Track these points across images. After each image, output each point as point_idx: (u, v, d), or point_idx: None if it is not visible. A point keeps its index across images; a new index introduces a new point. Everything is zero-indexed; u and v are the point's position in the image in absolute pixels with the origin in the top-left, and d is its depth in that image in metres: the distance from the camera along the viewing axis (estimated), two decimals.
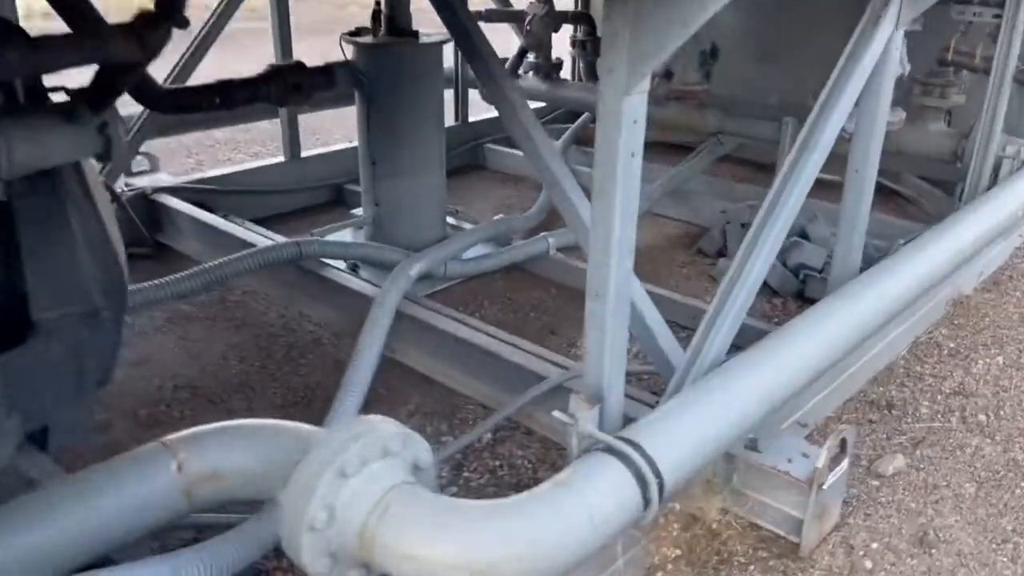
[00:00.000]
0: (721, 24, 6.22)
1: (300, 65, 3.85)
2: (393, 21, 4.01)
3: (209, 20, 4.69)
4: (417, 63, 4.02)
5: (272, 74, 3.74)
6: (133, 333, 3.77)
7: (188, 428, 1.91)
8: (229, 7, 4.63)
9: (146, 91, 3.32)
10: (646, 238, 5.18)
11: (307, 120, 5.77)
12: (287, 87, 3.75)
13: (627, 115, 1.92)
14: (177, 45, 3.12)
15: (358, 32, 4.02)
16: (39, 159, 1.94)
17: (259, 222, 4.73)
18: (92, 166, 2.31)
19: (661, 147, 6.69)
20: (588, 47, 5.84)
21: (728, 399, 2.32)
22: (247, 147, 6.98)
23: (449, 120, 6.21)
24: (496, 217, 4.69)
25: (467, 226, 4.63)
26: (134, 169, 4.87)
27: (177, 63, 4.61)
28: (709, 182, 5.47)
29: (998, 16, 3.84)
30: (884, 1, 2.71)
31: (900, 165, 5.52)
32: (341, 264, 4.08)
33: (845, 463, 2.58)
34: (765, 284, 4.43)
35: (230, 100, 3.63)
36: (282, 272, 3.99)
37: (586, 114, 6.18)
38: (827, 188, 4.62)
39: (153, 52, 1.97)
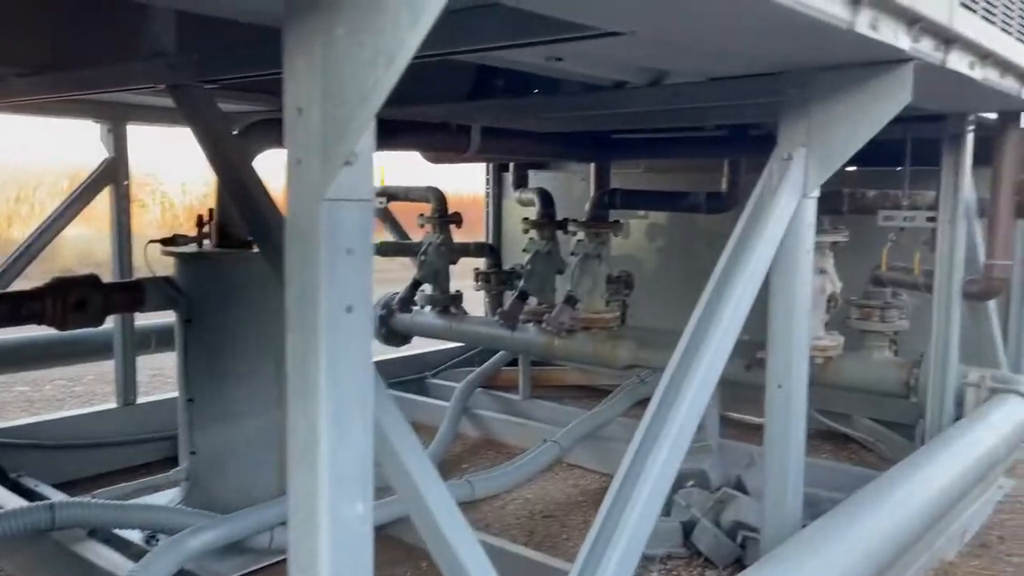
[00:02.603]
0: (640, 250, 5.80)
1: (92, 279, 3.11)
2: (224, 228, 3.34)
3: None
4: (246, 278, 3.29)
5: (51, 287, 2.98)
6: None
7: None
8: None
9: None
10: (556, 494, 4.28)
11: None
12: (67, 305, 2.97)
13: (328, 231, 1.14)
14: None
15: (175, 240, 3.32)
16: None
17: (76, 484, 3.76)
18: None
19: (582, 391, 5.99)
20: (493, 280, 5.26)
21: None
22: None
23: None
24: None
25: None
26: None
27: None
28: (631, 428, 4.65)
29: (932, 219, 3.29)
30: (786, 159, 2.08)
31: (850, 407, 4.83)
32: (137, 535, 3.09)
33: None
34: (698, 552, 3.53)
35: None
36: (41, 548, 2.96)
37: (500, 353, 5.49)
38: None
39: None
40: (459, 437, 4.91)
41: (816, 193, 2.11)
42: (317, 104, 1.11)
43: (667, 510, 3.64)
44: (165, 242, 3.30)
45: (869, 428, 4.70)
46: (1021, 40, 2.44)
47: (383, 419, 1.91)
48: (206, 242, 3.38)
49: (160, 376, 5.90)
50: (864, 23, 1.58)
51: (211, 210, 3.38)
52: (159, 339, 4.47)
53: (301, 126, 1.13)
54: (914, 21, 1.78)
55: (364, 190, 1.17)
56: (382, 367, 5.59)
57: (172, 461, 4.38)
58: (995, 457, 3.00)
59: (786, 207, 2.07)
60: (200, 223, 3.32)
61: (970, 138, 3.04)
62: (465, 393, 5.05)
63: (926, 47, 1.91)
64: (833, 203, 3.68)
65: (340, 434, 1.21)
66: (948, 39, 1.98)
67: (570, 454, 4.44)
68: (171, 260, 3.36)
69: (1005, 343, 3.74)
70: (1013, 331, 3.72)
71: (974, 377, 3.39)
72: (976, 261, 3.39)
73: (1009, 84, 2.57)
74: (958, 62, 2.08)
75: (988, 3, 2.12)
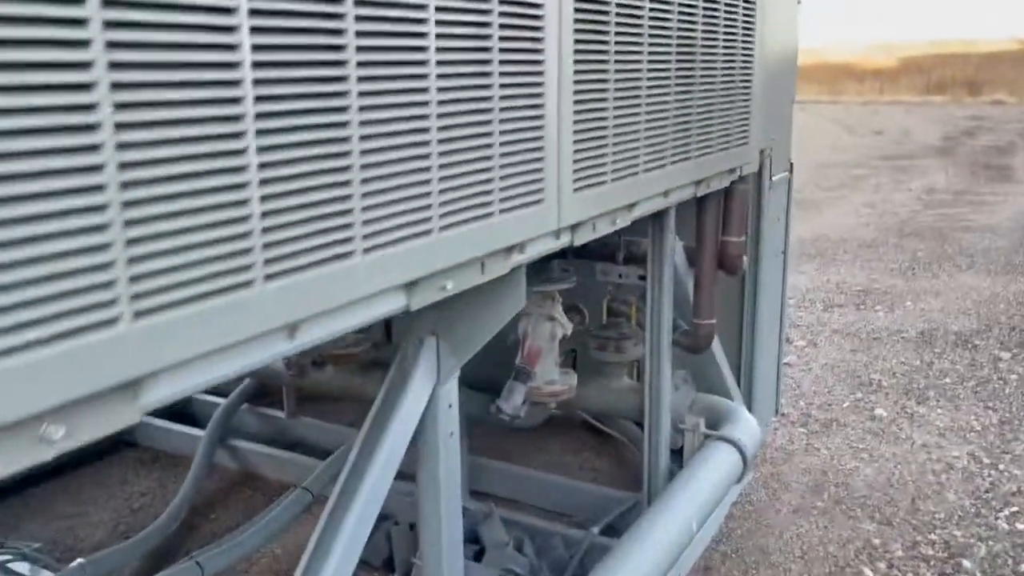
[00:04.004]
0: None
1: None
2: None
3: None
4: None
5: None
6: None
7: None
8: None
9: None
10: (289, 546, 4.09)
11: None
12: None
13: None
14: None
15: None
16: None
17: None
18: None
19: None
20: None
21: None
22: None
23: None
24: (76, 562, 3.48)
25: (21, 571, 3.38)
26: None
27: None
28: None
29: (643, 278, 3.29)
30: (418, 344, 1.94)
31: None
32: None
33: None
34: None
35: None
36: None
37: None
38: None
39: None
40: (216, 470, 4.67)
41: (455, 375, 1.99)
42: None
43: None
44: None
45: (623, 428, 4.87)
46: (659, 165, 2.33)
47: None
48: None
49: None
50: (416, 305, 1.43)
51: None
52: None
53: None
54: (511, 248, 1.64)
55: None
56: None
57: None
58: (701, 518, 3.13)
59: (421, 391, 1.94)
60: None
61: (672, 212, 3.01)
62: (220, 422, 4.78)
63: (546, 246, 1.79)
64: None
65: None
66: (570, 227, 1.86)
67: (327, 488, 4.31)
68: None
69: (739, 378, 3.89)
70: (745, 369, 3.86)
71: (690, 422, 3.50)
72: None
73: (677, 196, 2.51)
74: (594, 232, 1.97)
75: (623, 160, 2.01)
